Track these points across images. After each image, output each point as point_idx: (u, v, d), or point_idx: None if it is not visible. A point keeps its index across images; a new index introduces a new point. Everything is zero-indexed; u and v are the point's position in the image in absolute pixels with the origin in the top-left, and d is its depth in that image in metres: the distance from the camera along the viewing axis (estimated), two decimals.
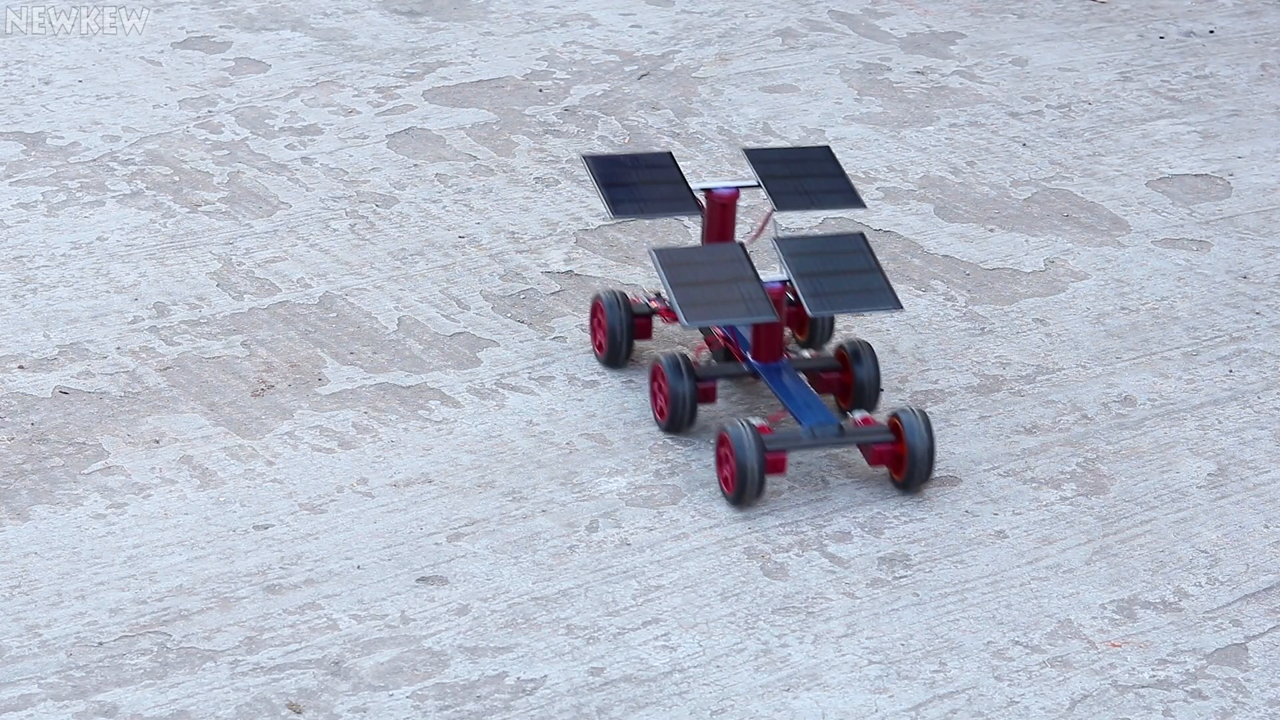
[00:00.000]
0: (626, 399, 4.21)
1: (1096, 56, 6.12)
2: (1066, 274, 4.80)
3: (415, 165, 5.23)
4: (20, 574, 3.61)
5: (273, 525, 3.77)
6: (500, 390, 4.23)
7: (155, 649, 3.44)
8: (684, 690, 3.39)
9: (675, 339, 4.40)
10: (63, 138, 5.31)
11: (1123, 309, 4.65)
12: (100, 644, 3.44)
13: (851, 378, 4.06)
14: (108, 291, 4.55)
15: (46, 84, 5.65)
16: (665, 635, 3.52)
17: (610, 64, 5.93)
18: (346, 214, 4.95)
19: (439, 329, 4.45)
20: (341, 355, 4.33)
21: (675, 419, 4.01)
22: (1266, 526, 3.87)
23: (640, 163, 4.25)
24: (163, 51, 5.90)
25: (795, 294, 4.06)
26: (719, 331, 4.20)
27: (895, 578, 3.68)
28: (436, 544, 3.74)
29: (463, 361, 4.33)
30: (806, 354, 4.13)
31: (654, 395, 4.08)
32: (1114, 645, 3.53)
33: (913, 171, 5.29)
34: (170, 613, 3.52)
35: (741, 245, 3.96)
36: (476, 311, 4.53)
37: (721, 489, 3.86)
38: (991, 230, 5.00)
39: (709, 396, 4.05)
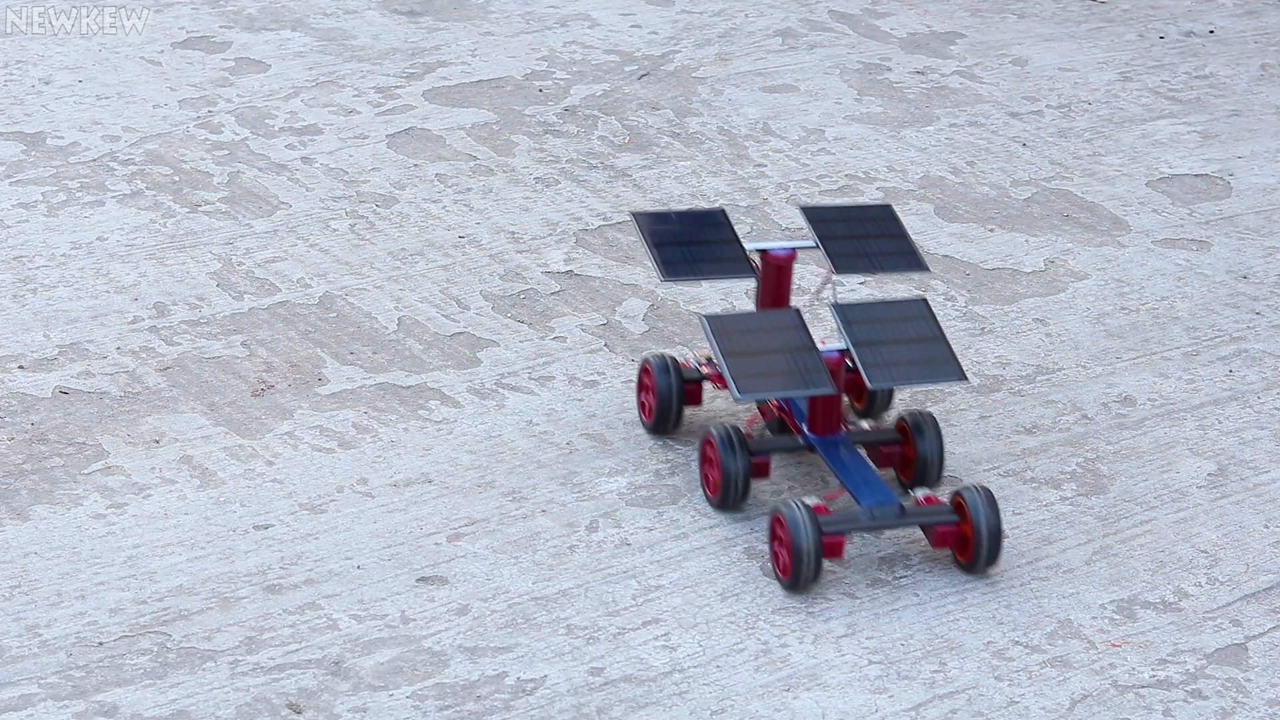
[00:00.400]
0: (627, 399, 4.21)
1: (1096, 56, 6.12)
2: (1066, 274, 4.80)
3: (415, 165, 5.23)
4: (20, 574, 3.61)
5: (273, 525, 3.77)
6: (500, 390, 4.23)
7: (155, 649, 3.44)
8: (684, 690, 3.39)
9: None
10: (63, 138, 5.31)
11: (1123, 309, 4.65)
12: (100, 644, 3.44)
13: (913, 451, 3.83)
14: (108, 291, 4.55)
15: (46, 84, 5.65)
16: (665, 635, 3.52)
17: (610, 64, 5.93)
18: (346, 214, 4.95)
19: (439, 329, 4.45)
20: (341, 355, 4.33)
21: (727, 495, 3.78)
22: (1266, 526, 3.87)
23: (691, 220, 4.02)
24: (163, 51, 5.90)
25: (854, 363, 3.75)
26: (774, 401, 3.96)
27: (895, 578, 3.68)
28: (436, 544, 3.74)
29: (463, 361, 4.33)
30: (865, 425, 3.90)
31: (704, 469, 3.84)
32: (1114, 645, 3.53)
33: (913, 171, 5.29)
34: (170, 613, 3.52)
35: (798, 311, 3.76)
36: (476, 311, 4.53)
37: (775, 572, 3.64)
38: (991, 230, 5.00)
39: (762, 471, 3.81)
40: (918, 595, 3.62)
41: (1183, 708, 3.39)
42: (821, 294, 4.25)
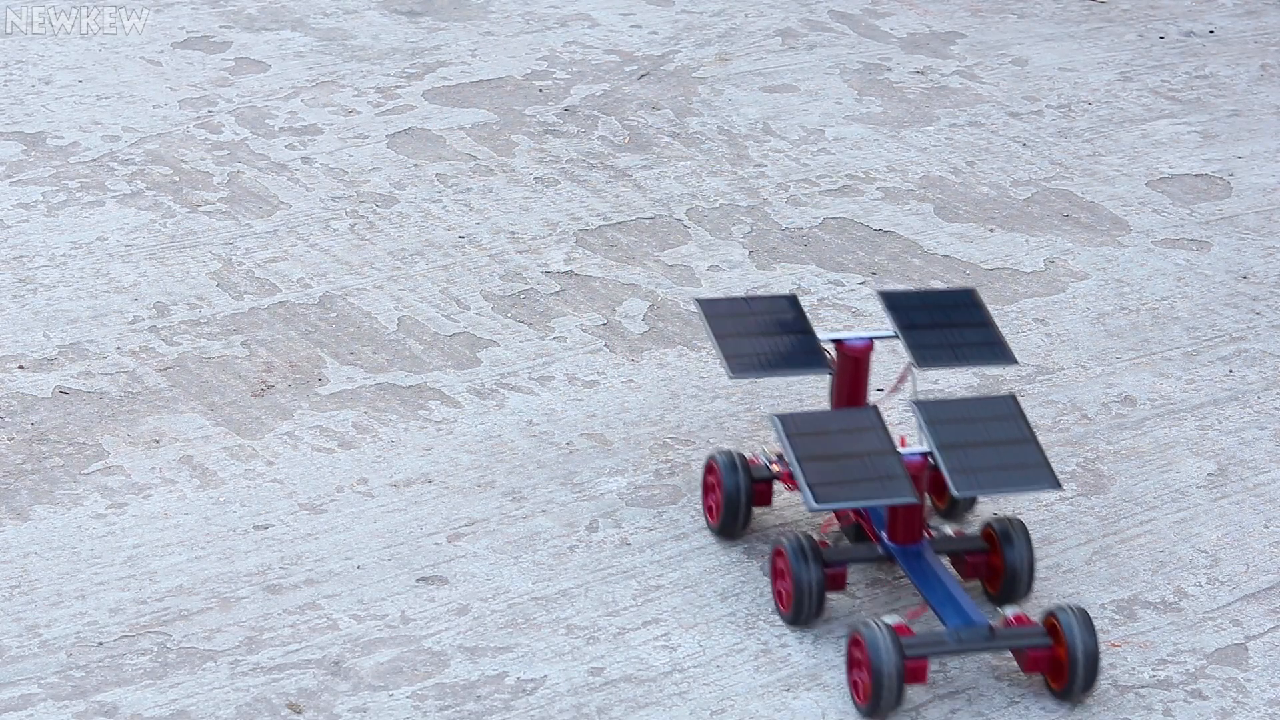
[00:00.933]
0: (626, 399, 4.21)
1: (1096, 56, 6.12)
2: (1066, 274, 4.80)
3: (415, 165, 5.23)
4: (20, 574, 3.61)
5: (273, 525, 3.77)
6: (500, 390, 4.23)
7: (155, 649, 3.44)
8: (684, 690, 3.39)
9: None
10: (63, 138, 5.31)
11: (1123, 309, 4.65)
12: (100, 644, 3.44)
13: (1001, 560, 3.55)
14: (108, 291, 4.55)
15: (46, 84, 5.65)
16: (665, 635, 3.52)
17: (610, 64, 5.93)
18: (346, 214, 4.95)
19: (439, 329, 4.45)
20: (341, 355, 4.33)
21: (800, 609, 3.49)
22: (1266, 526, 3.87)
23: (759, 308, 3.74)
24: (163, 51, 5.90)
25: (937, 465, 3.47)
26: None
27: (895, 578, 3.68)
28: (436, 544, 3.74)
29: (463, 361, 4.33)
30: (949, 530, 3.64)
31: (775, 580, 3.56)
32: (1114, 645, 3.52)
33: (913, 171, 5.29)
34: (170, 613, 3.52)
35: (876, 410, 3.49)
36: (476, 311, 4.53)
37: (852, 696, 3.38)
38: (991, 230, 5.00)
39: (838, 583, 3.53)
40: (917, 595, 3.62)
41: (1183, 708, 3.39)
42: (901, 388, 3.99)
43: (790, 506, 3.86)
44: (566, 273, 4.71)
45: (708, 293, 4.62)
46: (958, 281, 4.73)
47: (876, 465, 3.39)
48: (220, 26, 6.09)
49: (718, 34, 6.18)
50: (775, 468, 3.75)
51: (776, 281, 4.68)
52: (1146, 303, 4.68)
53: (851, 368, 3.66)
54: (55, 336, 4.37)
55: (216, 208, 4.96)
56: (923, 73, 5.95)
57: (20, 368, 4.24)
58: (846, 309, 4.58)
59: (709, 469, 3.77)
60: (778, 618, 3.55)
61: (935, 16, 6.40)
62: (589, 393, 4.23)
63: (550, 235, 4.88)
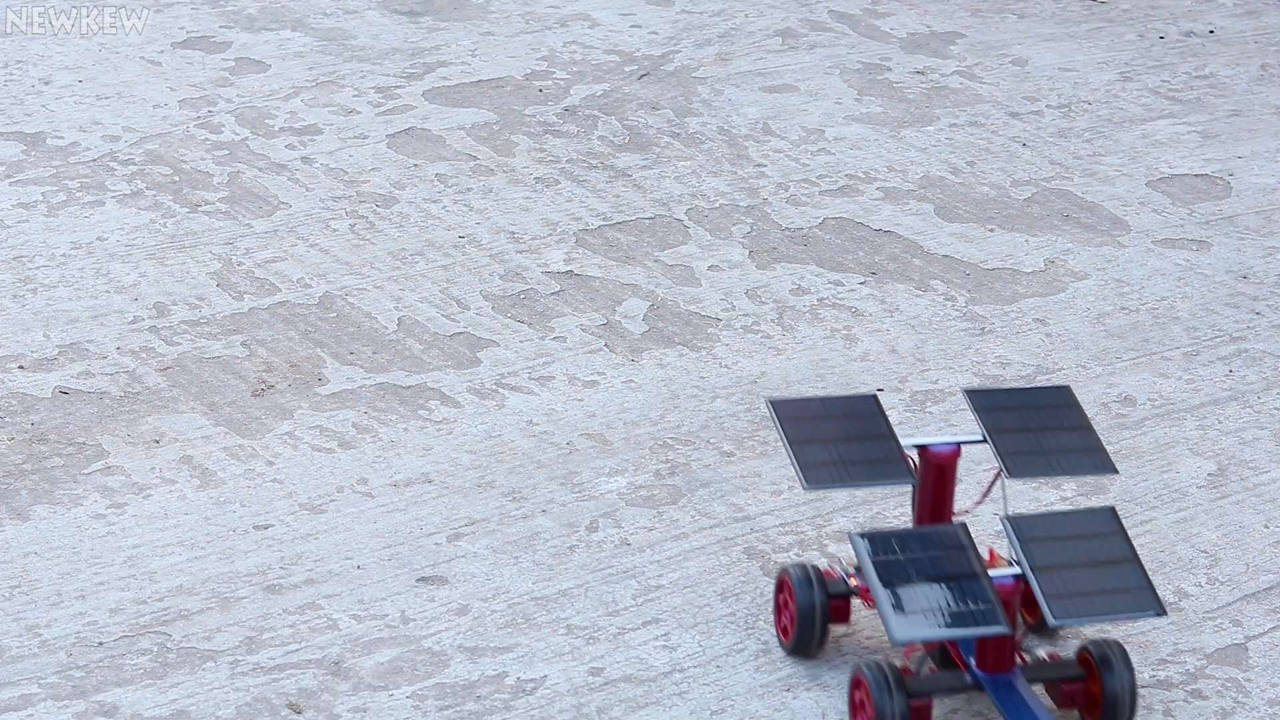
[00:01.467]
0: (626, 399, 4.21)
1: (1096, 56, 6.12)
2: (1066, 274, 4.80)
3: (415, 165, 5.22)
4: (20, 574, 3.61)
5: (273, 525, 3.77)
6: (500, 390, 4.23)
7: (155, 649, 3.44)
8: (684, 690, 3.39)
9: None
10: (63, 138, 5.31)
11: (1123, 309, 4.65)
12: (100, 644, 3.44)
13: (1099, 688, 3.25)
14: (108, 291, 4.55)
15: (46, 84, 5.65)
16: (665, 635, 3.52)
17: (610, 64, 5.93)
18: (346, 214, 4.95)
19: (439, 329, 4.45)
20: (341, 355, 4.33)
21: None
22: (1266, 526, 3.87)
23: (836, 410, 3.45)
24: (163, 51, 5.90)
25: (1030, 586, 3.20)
26: None
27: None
28: (436, 544, 3.74)
29: (463, 361, 4.33)
30: (1043, 653, 3.39)
31: (854, 712, 3.27)
32: None
33: (913, 171, 5.29)
34: (170, 613, 3.52)
35: (964, 528, 3.22)
36: (476, 311, 4.53)
37: None
38: (991, 230, 5.00)
39: (923, 716, 3.24)
40: None
41: (1183, 708, 3.39)
42: (989, 495, 3.71)
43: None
44: (566, 273, 4.71)
45: (711, 296, 4.63)
46: (958, 282, 4.73)
47: (965, 591, 3.14)
48: (220, 26, 6.09)
49: (718, 34, 6.18)
50: (853, 581, 3.48)
51: (776, 281, 4.69)
52: (1146, 303, 4.68)
53: (936, 475, 3.38)
54: (55, 336, 4.37)
55: (216, 208, 4.96)
56: (923, 73, 5.95)
57: (20, 368, 4.24)
58: (846, 309, 4.58)
59: (781, 584, 3.50)
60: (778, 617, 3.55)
61: (935, 16, 6.40)
62: (589, 393, 4.23)
63: (550, 235, 4.88)
